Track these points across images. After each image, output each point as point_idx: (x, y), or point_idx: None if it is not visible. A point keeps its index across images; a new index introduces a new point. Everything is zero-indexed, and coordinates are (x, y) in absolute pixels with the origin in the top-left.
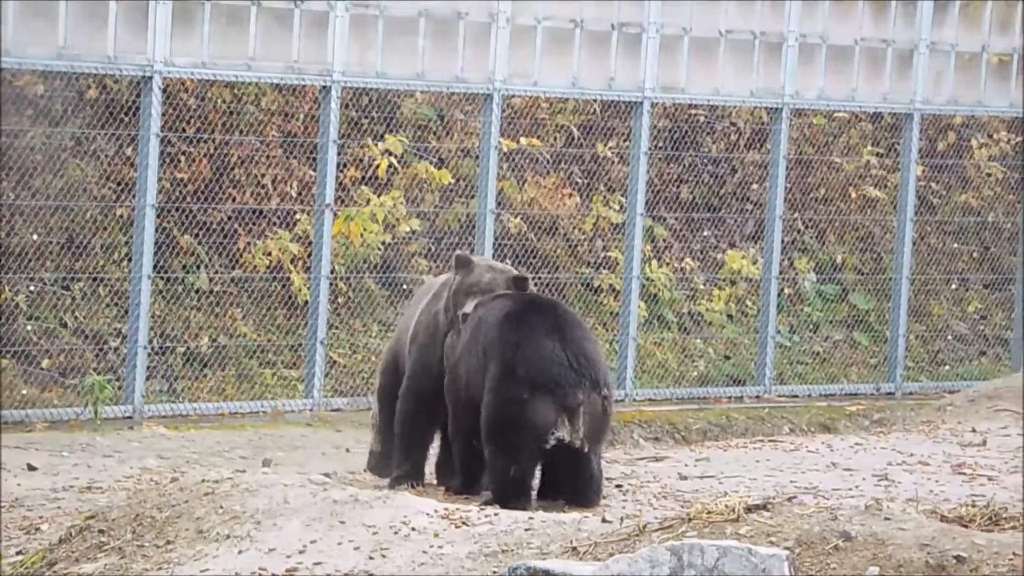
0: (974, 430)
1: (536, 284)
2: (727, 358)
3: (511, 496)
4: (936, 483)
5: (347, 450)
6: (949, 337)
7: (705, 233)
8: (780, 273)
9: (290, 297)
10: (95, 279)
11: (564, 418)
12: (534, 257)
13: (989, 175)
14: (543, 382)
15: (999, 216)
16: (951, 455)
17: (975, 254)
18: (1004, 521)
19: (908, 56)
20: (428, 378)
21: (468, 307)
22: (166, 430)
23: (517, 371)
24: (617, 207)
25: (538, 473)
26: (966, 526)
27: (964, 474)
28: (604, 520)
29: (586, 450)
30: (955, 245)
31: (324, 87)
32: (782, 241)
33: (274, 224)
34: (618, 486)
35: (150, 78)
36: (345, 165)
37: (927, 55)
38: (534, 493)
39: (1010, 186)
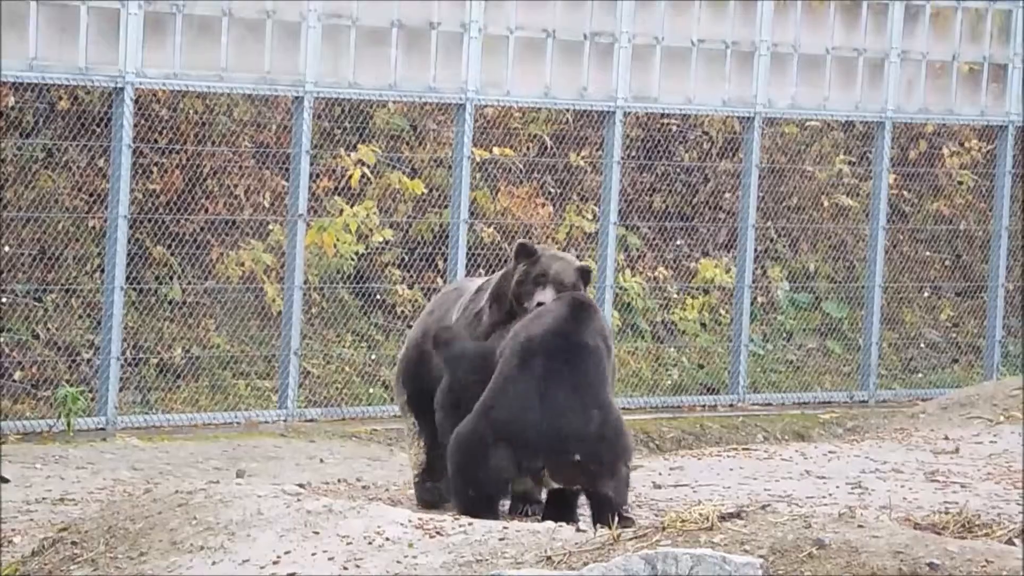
0: (947, 437)
1: None
2: (701, 367)
3: (476, 513)
4: (909, 490)
5: (321, 460)
6: (922, 345)
7: (678, 242)
8: (753, 282)
9: (263, 308)
10: (67, 290)
11: (527, 476)
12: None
13: (961, 183)
14: (506, 436)
15: (971, 224)
16: (924, 463)
17: (947, 262)
18: (977, 528)
19: (879, 65)
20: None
21: (544, 296)
22: (139, 441)
23: (491, 413)
24: (590, 216)
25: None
26: (939, 533)
27: (937, 481)
28: (578, 529)
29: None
30: (927, 253)
31: (296, 97)
32: (755, 250)
33: (247, 235)
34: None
35: (122, 89)
36: (318, 175)
37: (898, 64)
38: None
39: (981, 194)
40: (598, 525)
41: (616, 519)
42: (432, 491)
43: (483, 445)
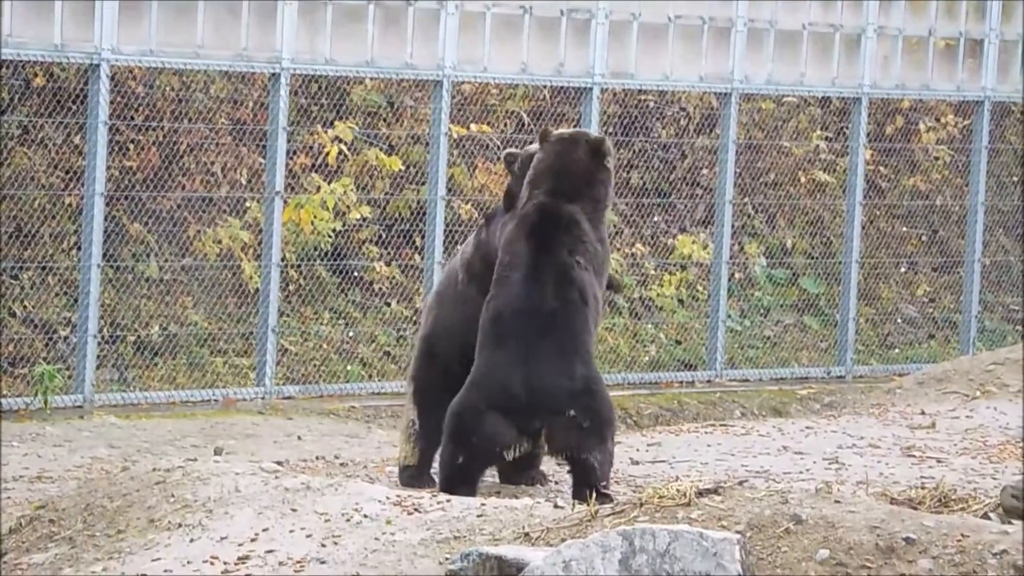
0: (923, 412)
1: None
2: (678, 343)
3: (454, 485)
4: (886, 466)
5: (299, 438)
6: (898, 320)
7: (655, 218)
8: (730, 258)
9: (241, 285)
10: (44, 268)
11: (525, 439)
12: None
13: (937, 159)
14: (499, 404)
15: (947, 199)
16: (901, 438)
17: (924, 237)
18: (953, 503)
19: (856, 41)
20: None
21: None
22: (117, 419)
23: (480, 383)
24: None
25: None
26: (915, 508)
27: (913, 456)
28: (556, 506)
29: (574, 459)
30: (904, 228)
31: (273, 74)
32: (732, 226)
33: (224, 212)
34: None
35: (98, 66)
36: (295, 152)
37: (874, 39)
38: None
39: (958, 169)
40: (575, 501)
41: (595, 495)
42: (416, 479)
43: (478, 412)
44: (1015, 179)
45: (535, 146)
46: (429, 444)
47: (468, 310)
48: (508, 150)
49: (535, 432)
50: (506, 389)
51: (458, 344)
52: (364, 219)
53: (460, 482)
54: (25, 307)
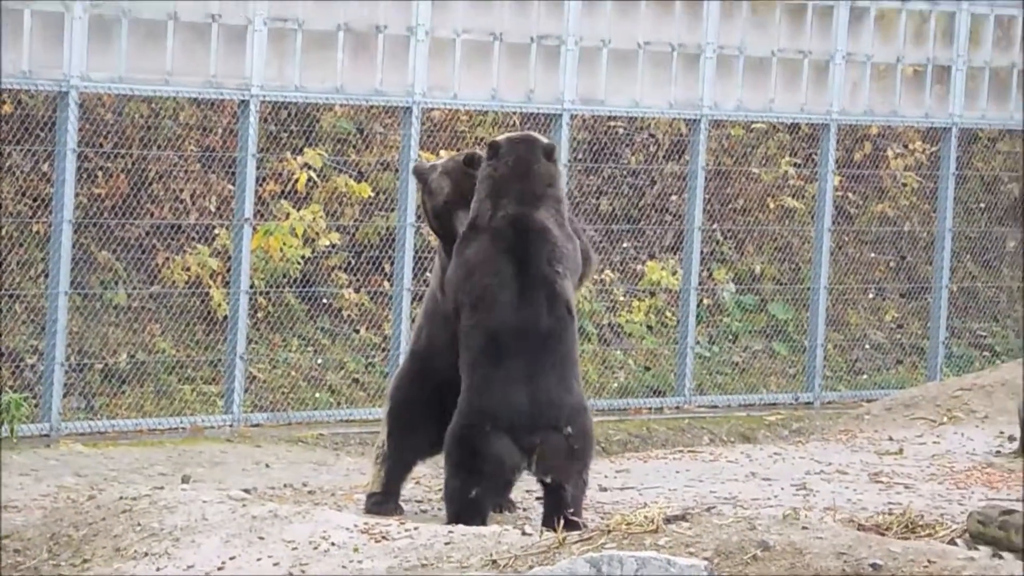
0: (891, 438)
1: None
2: (647, 369)
3: (465, 520)
4: (854, 492)
5: (267, 465)
6: (866, 346)
7: (625, 245)
8: (699, 284)
9: (209, 312)
10: (11, 296)
11: (524, 458)
12: None
13: (905, 185)
14: (502, 423)
15: (915, 225)
16: (868, 464)
17: (892, 263)
18: (920, 529)
19: (824, 67)
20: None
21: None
22: (83, 448)
23: (482, 402)
24: None
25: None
26: (882, 534)
27: (881, 482)
28: (524, 533)
29: (554, 483)
30: (872, 255)
31: (243, 101)
32: (701, 252)
33: (193, 239)
34: (539, 498)
35: (66, 93)
36: (264, 179)
37: (843, 66)
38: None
39: (925, 196)
40: (544, 528)
41: (561, 523)
42: (382, 506)
43: (481, 435)
44: (982, 205)
45: (444, 160)
46: (397, 468)
47: (452, 328)
48: (416, 164)
49: (532, 449)
50: (511, 407)
51: (450, 362)
52: (333, 246)
53: (473, 514)
54: None
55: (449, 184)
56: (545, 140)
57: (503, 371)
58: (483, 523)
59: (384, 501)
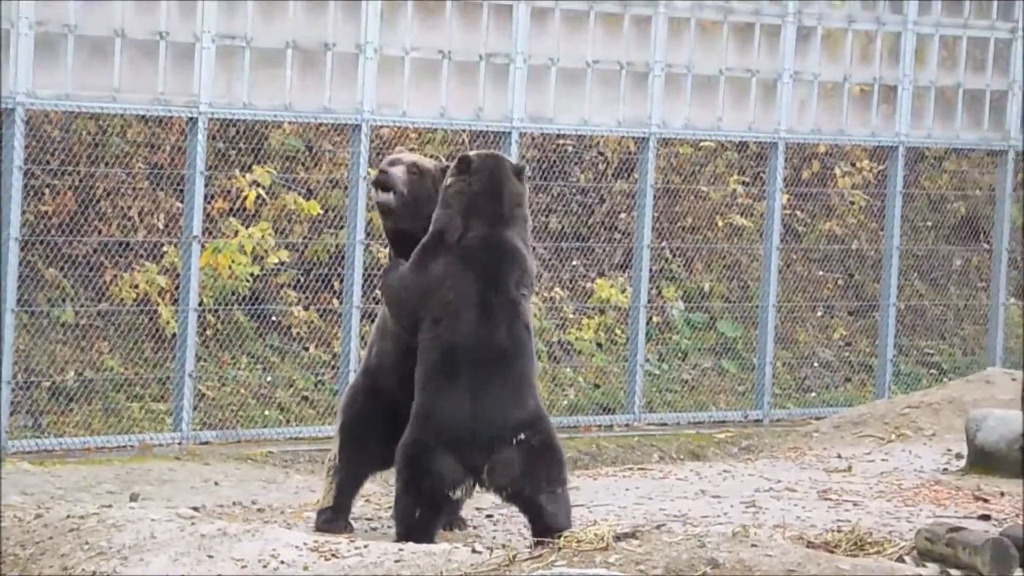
0: (840, 456)
1: None
2: (597, 387)
3: (414, 538)
4: (803, 509)
5: (216, 483)
6: (815, 364)
7: (574, 262)
8: (648, 302)
9: (158, 330)
10: None
11: (471, 477)
12: None
13: (853, 203)
14: (446, 440)
15: (863, 244)
16: (817, 481)
17: (840, 281)
18: (868, 546)
19: (772, 86)
20: None
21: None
22: (30, 466)
23: (430, 418)
24: None
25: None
26: (832, 551)
27: (830, 500)
28: (474, 551)
29: (517, 497)
30: (820, 273)
31: (191, 118)
32: (650, 270)
33: (141, 256)
34: (488, 516)
35: (13, 110)
36: (212, 196)
37: (791, 85)
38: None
39: (873, 214)
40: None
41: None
42: (332, 523)
43: (427, 451)
44: (929, 224)
45: (398, 170)
46: (348, 481)
47: (405, 344)
48: (380, 169)
49: (479, 468)
50: (457, 423)
51: (401, 378)
52: (282, 263)
53: (420, 532)
54: None
55: (408, 186)
56: (513, 160)
57: (454, 387)
58: (431, 541)
59: (334, 519)
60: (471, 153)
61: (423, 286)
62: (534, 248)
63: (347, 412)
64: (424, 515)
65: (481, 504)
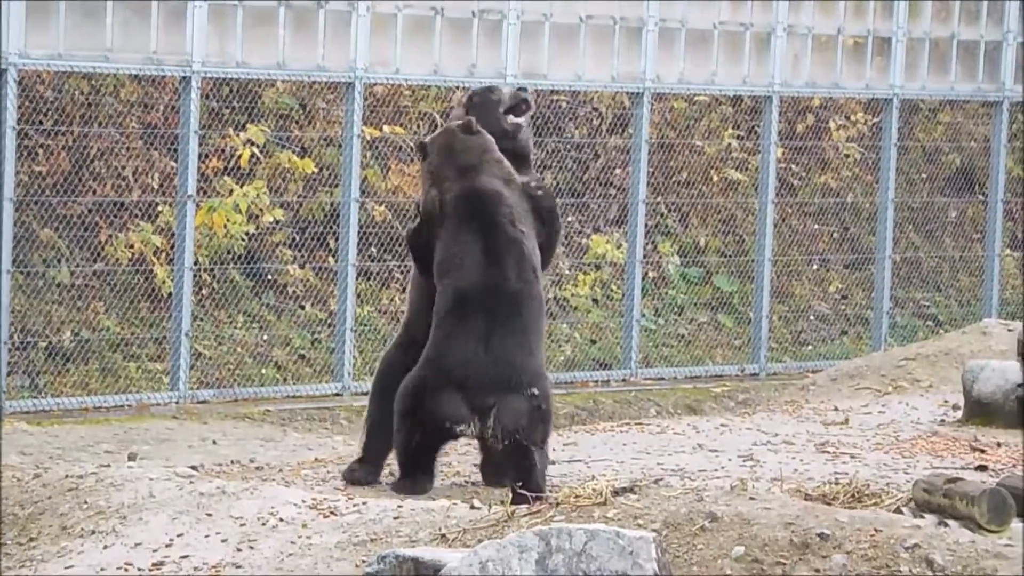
0: (836, 409)
1: (401, 272)
2: (593, 342)
3: (410, 468)
4: (800, 462)
5: (214, 442)
6: (811, 317)
7: (569, 218)
8: (644, 257)
9: (153, 289)
10: None
11: (476, 417)
12: (399, 245)
13: (847, 156)
14: (455, 379)
15: (858, 196)
16: (814, 434)
17: (835, 234)
18: (866, 498)
19: (766, 40)
20: None
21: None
22: (28, 426)
23: (440, 357)
24: None
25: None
26: (829, 504)
27: (827, 453)
28: (473, 507)
29: (514, 448)
30: (815, 226)
31: (184, 78)
32: (646, 225)
33: (136, 216)
34: (475, 465)
35: (5, 70)
36: (207, 156)
37: (784, 38)
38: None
39: (868, 167)
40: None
41: (512, 495)
42: (353, 472)
43: (431, 390)
44: (924, 176)
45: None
46: (376, 433)
47: (430, 295)
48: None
49: (487, 409)
50: (466, 364)
51: (428, 328)
52: (277, 222)
53: (415, 466)
54: None
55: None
56: (460, 121)
57: (465, 329)
58: (428, 478)
59: (356, 469)
60: (425, 138)
61: (431, 257)
62: (541, 178)
63: (381, 364)
64: (418, 448)
65: (477, 458)
